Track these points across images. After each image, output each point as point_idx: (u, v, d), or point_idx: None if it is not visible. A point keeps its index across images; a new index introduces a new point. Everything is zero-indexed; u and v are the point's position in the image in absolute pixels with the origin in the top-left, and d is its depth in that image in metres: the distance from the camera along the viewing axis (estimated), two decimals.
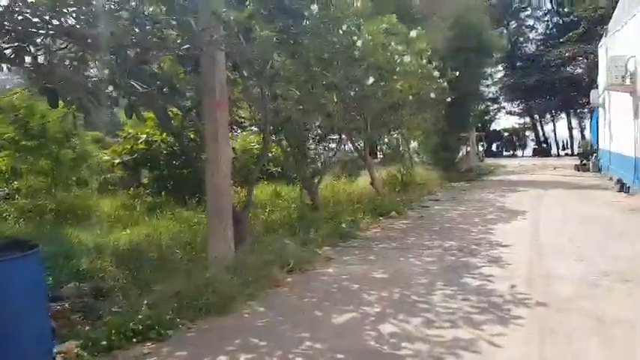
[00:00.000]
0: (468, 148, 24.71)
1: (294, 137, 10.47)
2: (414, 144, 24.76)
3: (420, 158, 23.35)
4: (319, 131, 11.28)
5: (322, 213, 10.48)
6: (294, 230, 8.81)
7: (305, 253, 7.23)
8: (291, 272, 6.56)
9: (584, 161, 22.89)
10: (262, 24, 6.63)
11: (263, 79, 7.06)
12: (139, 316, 4.44)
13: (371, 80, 9.25)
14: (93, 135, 14.02)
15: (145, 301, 4.98)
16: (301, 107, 9.07)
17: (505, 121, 48.32)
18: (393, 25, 11.73)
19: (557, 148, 45.03)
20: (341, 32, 8.82)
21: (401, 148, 19.77)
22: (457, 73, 17.16)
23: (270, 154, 13.25)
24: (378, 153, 23.46)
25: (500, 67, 45.02)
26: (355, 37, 9.09)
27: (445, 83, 16.29)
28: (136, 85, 5.29)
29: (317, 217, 9.95)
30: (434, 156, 21.64)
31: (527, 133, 47.27)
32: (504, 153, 45.94)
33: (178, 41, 6.22)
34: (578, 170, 22.41)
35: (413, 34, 12.54)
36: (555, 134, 46.67)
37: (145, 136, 11.86)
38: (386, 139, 19.63)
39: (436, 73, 14.22)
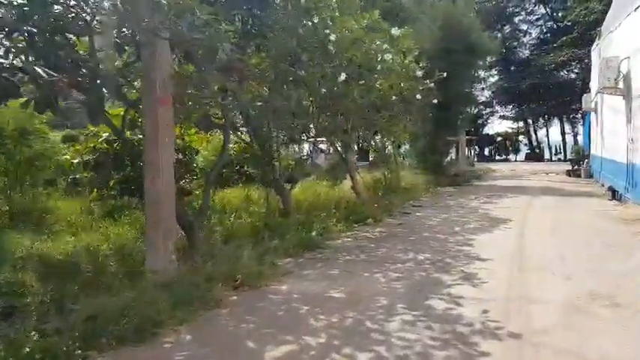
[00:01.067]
0: (458, 152, 24.04)
1: (258, 137, 9.70)
2: (404, 147, 24.18)
3: (408, 161, 22.70)
4: (290, 132, 10.46)
5: (293, 219, 9.74)
6: (259, 238, 8.09)
7: (261, 266, 6.48)
8: (240, 289, 5.81)
9: (576, 167, 22.26)
10: (221, 13, 5.94)
11: (210, 72, 6.29)
12: (27, 348, 3.67)
13: (343, 77, 8.50)
14: (67, 133, 13.16)
15: (51, 326, 4.24)
16: (265, 104, 8.35)
17: (498, 125, 47.89)
18: (374, 21, 11.05)
19: (550, 154, 44.52)
20: (310, 24, 8.13)
21: (387, 151, 19.05)
22: (445, 74, 16.52)
23: (245, 155, 12.55)
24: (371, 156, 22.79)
25: (493, 71, 44.64)
26: (328, 31, 8.38)
27: (432, 84, 15.67)
28: (49, 73, 4.56)
29: (286, 223, 9.21)
30: (421, 159, 20.97)
31: (521, 137, 46.78)
32: (497, 157, 45.42)
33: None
34: (570, 176, 21.77)
35: (395, 31, 11.86)
36: (548, 139, 46.18)
37: (106, 134, 11.06)
38: (372, 142, 18.95)
39: (420, 73, 13.55)
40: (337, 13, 9.15)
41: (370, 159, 23.54)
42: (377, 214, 10.97)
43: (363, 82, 10.50)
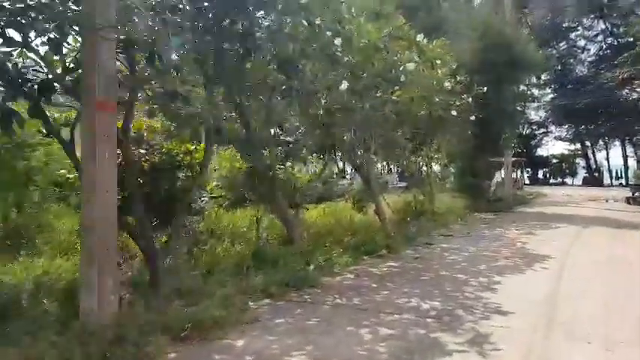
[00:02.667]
0: (503, 175, 22.21)
1: (250, 155, 8.64)
2: (443, 167, 22.64)
3: (448, 184, 21.09)
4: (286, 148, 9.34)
5: (296, 248, 8.60)
6: (242, 272, 7.01)
7: (227, 310, 5.37)
8: (188, 341, 4.70)
9: (638, 194, 20.01)
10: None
11: (163, 73, 5.27)
12: None
13: (344, 86, 7.34)
14: None
15: None
16: (248, 118, 7.32)
17: (553, 147, 45.10)
18: (398, 27, 9.90)
19: (610, 178, 41.48)
20: (310, 26, 7.04)
21: (421, 172, 17.59)
22: (484, 89, 15.06)
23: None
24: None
25: (548, 90, 42.21)
26: (330, 33, 7.29)
27: (469, 99, 14.28)
28: None
29: (284, 253, 8.08)
30: (460, 182, 19.38)
31: (578, 160, 43.87)
32: (551, 181, 42.72)
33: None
34: (630, 204, 19.60)
35: (422, 38, 10.65)
36: (608, 162, 43.04)
37: None
38: (403, 162, 17.58)
39: (454, 86, 12.25)
40: (347, 15, 8.04)
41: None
42: (394, 245, 9.64)
43: (380, 94, 9.34)
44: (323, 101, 7.74)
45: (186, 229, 9.39)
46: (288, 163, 9.48)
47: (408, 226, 13.12)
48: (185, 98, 5.36)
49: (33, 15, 4.42)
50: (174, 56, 5.34)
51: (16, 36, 4.63)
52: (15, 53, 4.75)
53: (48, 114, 5.28)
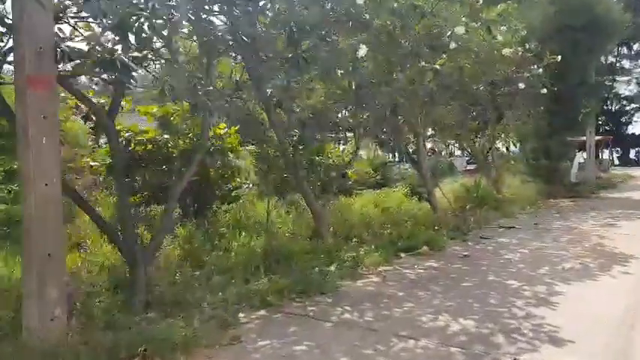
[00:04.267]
0: (583, 155, 19.78)
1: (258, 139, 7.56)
2: (516, 148, 20.58)
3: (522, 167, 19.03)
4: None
5: (323, 244, 7.54)
6: (250, 274, 6.05)
7: (203, 327, 4.40)
8: None
9: None
10: None
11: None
12: None
13: (363, 52, 6.04)
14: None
15: None
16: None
17: None
18: None
19: None
20: None
21: (488, 154, 15.78)
22: (559, 57, 13.06)
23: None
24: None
25: None
26: None
27: (540, 70, 12.41)
28: None
29: (304, 250, 7.04)
30: (533, 164, 17.35)
31: None
32: None
33: None
34: None
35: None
36: None
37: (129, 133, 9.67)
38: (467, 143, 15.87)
39: (514, 53, 10.52)
40: None
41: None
42: (439, 239, 8.28)
43: (424, 63, 7.94)
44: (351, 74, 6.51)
45: (208, 220, 8.64)
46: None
47: (465, 216, 11.63)
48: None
49: None
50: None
51: None
52: None
53: None
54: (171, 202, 5.73)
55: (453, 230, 9.68)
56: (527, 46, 12.15)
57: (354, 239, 8.09)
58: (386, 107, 7.98)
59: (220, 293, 5.41)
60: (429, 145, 31.31)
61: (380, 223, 9.79)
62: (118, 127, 9.97)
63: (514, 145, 18.18)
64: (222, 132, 9.18)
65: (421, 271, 6.61)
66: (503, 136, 15.97)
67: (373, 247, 7.54)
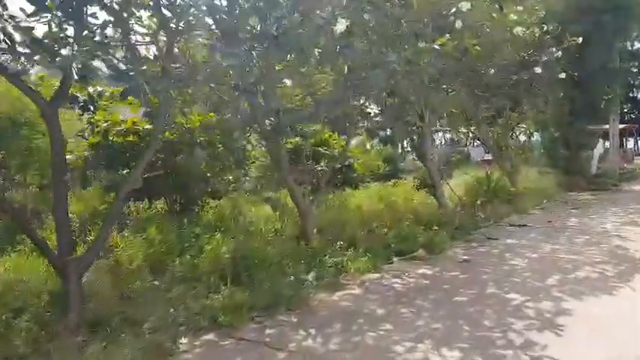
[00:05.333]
0: (606, 145, 18.60)
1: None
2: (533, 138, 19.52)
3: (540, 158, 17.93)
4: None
5: (304, 247, 6.79)
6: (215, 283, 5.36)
7: (138, 354, 3.71)
8: None
9: None
10: None
11: None
12: None
13: (342, 26, 5.21)
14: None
15: None
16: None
17: None
18: None
19: None
20: None
21: (503, 144, 14.76)
22: (580, 39, 11.98)
23: None
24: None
25: None
26: None
27: (559, 53, 11.40)
28: None
29: (282, 254, 6.31)
30: (551, 154, 16.30)
31: None
32: None
33: None
34: None
35: None
36: None
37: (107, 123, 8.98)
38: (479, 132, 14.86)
39: (529, 34, 9.57)
40: None
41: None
42: (439, 240, 7.46)
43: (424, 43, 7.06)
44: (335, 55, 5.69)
45: (189, 218, 7.99)
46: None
47: (475, 212, 10.76)
48: None
49: None
50: None
51: None
52: None
53: None
54: (120, 196, 5.02)
55: (458, 228, 8.85)
56: (546, 28, 11.16)
57: (344, 241, 7.33)
58: (381, 92, 7.14)
59: (173, 309, 4.74)
60: (446, 135, 30.41)
61: (379, 219, 9.03)
62: (97, 117, 9.41)
63: (531, 134, 17.12)
64: (208, 122, 8.51)
65: (411, 280, 5.81)
66: (519, 124, 14.92)
67: (363, 249, 6.78)
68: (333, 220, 8.13)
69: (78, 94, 13.40)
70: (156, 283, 5.68)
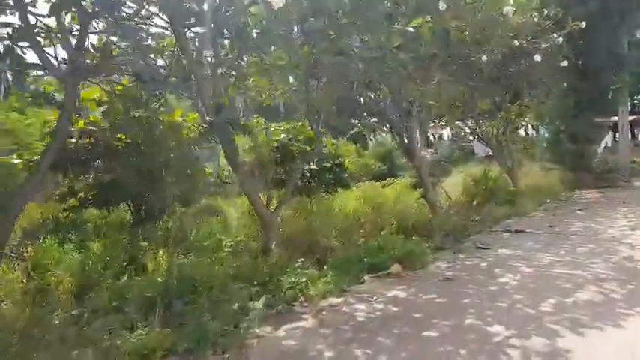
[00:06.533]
0: (614, 136, 17.51)
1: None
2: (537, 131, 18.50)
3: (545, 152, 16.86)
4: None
5: (262, 263, 5.90)
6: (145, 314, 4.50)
7: None
8: None
9: None
10: None
11: None
12: None
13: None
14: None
15: None
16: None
17: None
18: None
19: None
20: None
21: (502, 138, 13.72)
22: (583, 24, 10.94)
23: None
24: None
25: None
26: None
27: (560, 39, 10.40)
28: None
29: (233, 275, 5.43)
30: (554, 149, 15.27)
31: None
32: None
33: None
34: None
35: None
36: None
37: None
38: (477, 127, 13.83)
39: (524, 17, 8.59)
40: None
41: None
42: (422, 252, 6.51)
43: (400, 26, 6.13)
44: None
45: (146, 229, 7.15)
46: None
47: (469, 214, 9.81)
48: None
49: None
50: None
51: None
52: None
53: None
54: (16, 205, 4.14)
55: (447, 235, 7.92)
56: (546, 12, 10.18)
57: (313, 254, 6.44)
58: (345, 83, 6.21)
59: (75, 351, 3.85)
60: (447, 130, 29.26)
61: (358, 226, 8.13)
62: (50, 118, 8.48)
63: (533, 128, 16.09)
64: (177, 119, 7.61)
65: (378, 306, 4.86)
66: (520, 118, 13.86)
67: (332, 265, 5.87)
68: (305, 228, 7.24)
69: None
70: (75, 312, 4.84)
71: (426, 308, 4.74)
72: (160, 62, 6.50)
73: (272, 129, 10.15)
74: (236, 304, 4.80)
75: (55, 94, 13.01)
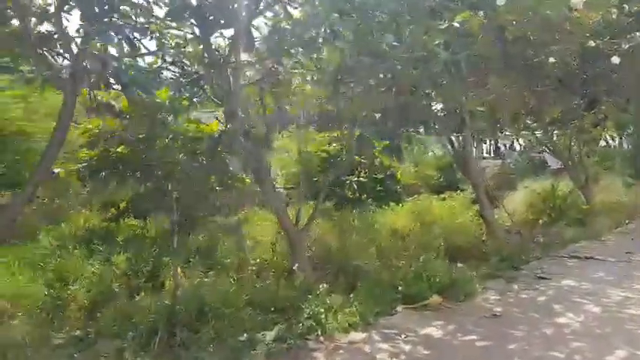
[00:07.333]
0: None
1: None
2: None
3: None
4: None
5: (285, 287, 5.34)
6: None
7: None
8: None
9: None
10: None
11: None
12: None
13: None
14: None
15: None
16: None
17: None
18: None
19: None
20: None
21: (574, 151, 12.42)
22: None
23: None
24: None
25: None
26: None
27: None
28: None
29: (250, 301, 4.92)
30: (638, 163, 13.70)
31: None
32: None
33: None
34: None
35: None
36: None
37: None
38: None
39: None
40: None
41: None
42: (467, 281, 5.70)
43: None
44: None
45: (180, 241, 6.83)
46: None
47: (533, 235, 8.81)
48: None
49: None
50: None
51: None
52: None
53: None
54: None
55: (503, 259, 7.03)
56: (627, 8, 9.00)
57: (343, 277, 5.82)
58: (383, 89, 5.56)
59: None
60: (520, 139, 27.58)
61: (401, 246, 7.37)
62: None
63: (613, 138, 14.56)
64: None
65: (406, 348, 4.16)
66: (596, 127, 12.51)
67: (361, 292, 5.22)
68: (339, 247, 6.62)
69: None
70: (77, 333, 4.54)
71: (462, 353, 3.99)
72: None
73: (317, 138, 9.68)
74: (245, 335, 4.30)
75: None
